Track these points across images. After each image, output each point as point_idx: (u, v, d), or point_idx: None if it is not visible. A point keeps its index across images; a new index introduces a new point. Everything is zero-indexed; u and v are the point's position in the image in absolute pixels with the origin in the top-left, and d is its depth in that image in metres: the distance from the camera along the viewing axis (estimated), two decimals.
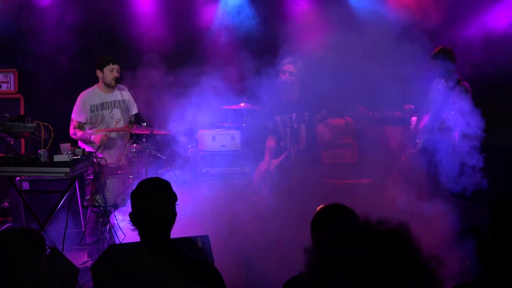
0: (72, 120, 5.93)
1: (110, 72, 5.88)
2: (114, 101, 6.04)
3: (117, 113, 6.04)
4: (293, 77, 6.20)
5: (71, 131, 5.90)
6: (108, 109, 6.00)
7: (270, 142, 6.38)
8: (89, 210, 5.65)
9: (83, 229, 5.95)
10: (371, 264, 1.40)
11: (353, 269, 1.40)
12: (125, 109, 6.11)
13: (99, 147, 5.73)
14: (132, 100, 6.13)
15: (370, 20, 6.15)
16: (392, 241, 1.44)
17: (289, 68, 6.20)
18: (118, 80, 5.92)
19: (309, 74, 6.17)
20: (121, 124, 6.02)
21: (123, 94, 6.11)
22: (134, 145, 6.45)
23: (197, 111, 6.33)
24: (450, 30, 6.83)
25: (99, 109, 5.96)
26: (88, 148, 5.69)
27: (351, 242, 1.45)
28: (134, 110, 6.15)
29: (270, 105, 6.31)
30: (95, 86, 6.01)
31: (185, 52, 6.92)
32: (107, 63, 5.87)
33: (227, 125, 6.81)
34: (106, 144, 5.91)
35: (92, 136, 5.81)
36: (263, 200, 5.96)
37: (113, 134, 5.99)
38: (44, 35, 7.12)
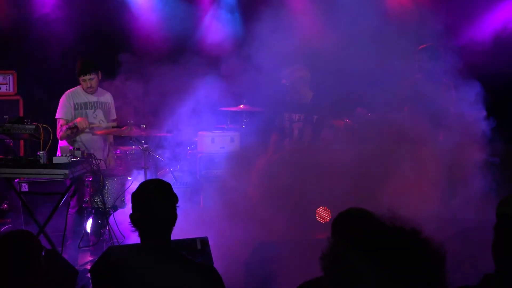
0: (58, 121, 5.88)
1: (83, 82, 5.91)
2: (97, 102, 6.03)
3: (100, 114, 6.04)
4: (299, 78, 6.25)
5: (58, 133, 5.83)
6: (92, 109, 5.98)
7: (275, 138, 6.41)
8: (69, 213, 5.69)
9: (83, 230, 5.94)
10: (391, 264, 1.40)
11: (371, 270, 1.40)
12: (107, 111, 6.11)
13: (74, 127, 5.72)
14: (112, 104, 6.16)
15: (369, 21, 6.15)
16: (415, 243, 1.43)
17: (295, 72, 6.25)
18: (91, 90, 5.93)
19: (320, 78, 6.20)
20: (103, 125, 6.01)
21: (105, 97, 6.12)
22: (133, 147, 6.46)
23: (197, 113, 6.33)
24: (455, 29, 6.81)
25: (83, 107, 5.95)
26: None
27: (374, 242, 1.45)
28: (113, 116, 6.18)
29: (277, 102, 6.35)
30: (79, 86, 6.00)
31: (185, 52, 6.92)
32: (79, 75, 5.88)
33: (226, 127, 6.82)
34: (93, 145, 5.90)
35: (75, 121, 5.79)
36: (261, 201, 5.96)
37: (97, 135, 5.98)
38: (43, 37, 7.13)
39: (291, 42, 6.15)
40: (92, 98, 6.00)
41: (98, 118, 6.02)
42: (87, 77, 5.86)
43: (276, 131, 6.45)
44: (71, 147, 5.53)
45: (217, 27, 7.72)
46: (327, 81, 5.90)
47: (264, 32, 6.04)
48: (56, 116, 5.90)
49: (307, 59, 6.29)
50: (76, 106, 5.92)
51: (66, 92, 5.96)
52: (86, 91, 5.94)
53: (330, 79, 5.87)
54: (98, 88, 6.04)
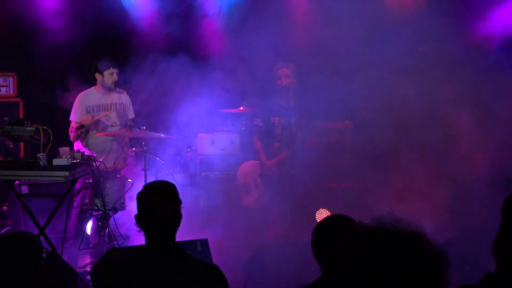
0: (71, 123, 5.91)
1: (110, 75, 5.90)
2: (111, 104, 6.01)
3: (113, 116, 6.02)
4: (290, 79, 6.24)
5: (70, 134, 5.88)
6: (104, 111, 5.98)
7: (258, 143, 6.37)
8: (73, 213, 5.68)
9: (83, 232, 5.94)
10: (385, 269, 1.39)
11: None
12: (122, 112, 6.08)
13: (81, 126, 5.73)
14: (130, 103, 6.13)
15: (370, 21, 6.15)
16: (417, 245, 1.42)
17: (284, 71, 6.24)
18: (117, 83, 5.95)
19: (306, 79, 6.21)
20: (116, 128, 6.00)
21: (121, 97, 6.09)
22: (133, 148, 6.45)
23: (197, 115, 6.33)
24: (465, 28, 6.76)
25: (95, 110, 5.94)
26: (87, 152, 5.68)
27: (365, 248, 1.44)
28: (131, 115, 6.14)
29: (266, 106, 6.34)
30: (93, 87, 6.01)
31: (184, 54, 6.92)
32: (107, 67, 5.88)
33: (226, 129, 6.82)
34: (102, 147, 5.90)
35: (80, 121, 5.81)
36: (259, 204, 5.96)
37: (109, 137, 5.97)
38: (43, 39, 7.12)
39: (289, 41, 6.16)
40: (106, 100, 5.98)
41: (111, 121, 5.99)
42: (115, 70, 5.90)
43: (257, 134, 6.41)
44: (84, 150, 5.55)
45: (217, 28, 7.72)
46: (322, 82, 5.89)
47: (264, 31, 6.05)
48: (70, 119, 5.93)
49: (305, 58, 6.30)
50: (88, 109, 5.91)
51: (79, 94, 5.97)
52: (109, 87, 5.92)
53: (327, 79, 5.87)
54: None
